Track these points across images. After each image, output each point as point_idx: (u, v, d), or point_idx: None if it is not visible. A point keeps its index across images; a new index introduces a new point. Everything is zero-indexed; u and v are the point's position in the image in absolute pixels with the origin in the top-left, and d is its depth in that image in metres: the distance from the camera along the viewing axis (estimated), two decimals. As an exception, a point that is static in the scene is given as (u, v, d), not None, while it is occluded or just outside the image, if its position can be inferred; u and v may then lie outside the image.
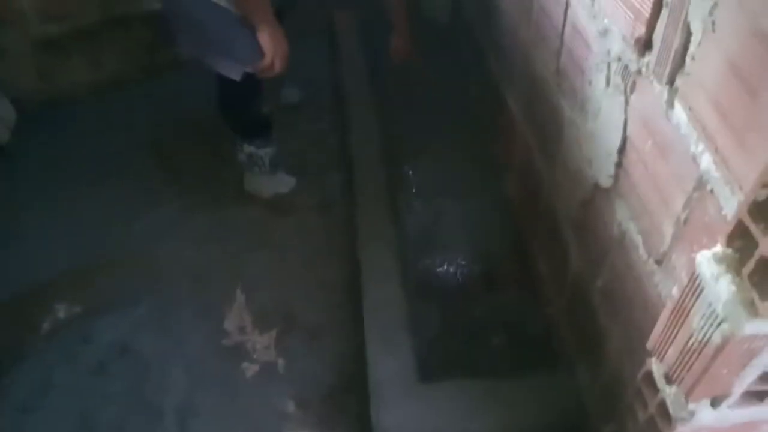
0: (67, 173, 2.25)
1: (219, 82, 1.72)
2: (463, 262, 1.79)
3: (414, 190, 2.03)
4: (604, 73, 1.04)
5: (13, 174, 2.31)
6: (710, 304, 0.64)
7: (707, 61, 0.72)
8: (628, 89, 0.96)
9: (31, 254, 1.98)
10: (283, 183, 2.06)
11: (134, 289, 1.84)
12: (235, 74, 1.63)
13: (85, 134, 2.40)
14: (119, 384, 1.61)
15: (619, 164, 1.04)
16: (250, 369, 1.63)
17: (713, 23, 0.69)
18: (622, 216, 1.04)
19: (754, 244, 0.58)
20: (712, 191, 0.74)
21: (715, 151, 0.72)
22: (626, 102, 0.98)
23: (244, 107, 1.85)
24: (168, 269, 1.89)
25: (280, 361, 1.64)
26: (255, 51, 1.59)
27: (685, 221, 0.82)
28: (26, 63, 2.51)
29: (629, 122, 0.98)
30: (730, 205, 0.70)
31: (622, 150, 1.02)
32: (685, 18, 0.75)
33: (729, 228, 0.63)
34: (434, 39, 2.52)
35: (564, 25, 1.24)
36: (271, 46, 1.60)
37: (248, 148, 1.93)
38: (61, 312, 1.80)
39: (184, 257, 1.92)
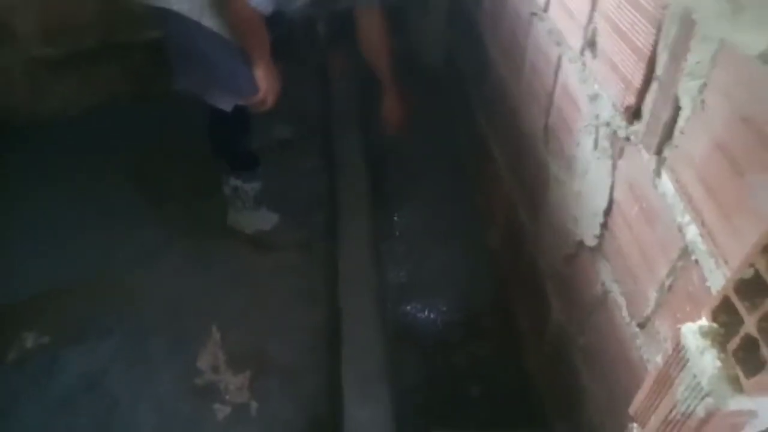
0: (48, 193, 2.22)
1: (210, 113, 1.73)
2: (444, 311, 1.79)
3: (397, 236, 2.04)
4: (593, 135, 1.07)
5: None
6: (695, 377, 0.65)
7: (696, 137, 0.74)
8: (616, 154, 0.98)
9: (3, 275, 1.93)
10: (266, 220, 2.05)
11: (107, 318, 1.80)
12: (227, 105, 1.65)
13: (70, 155, 2.37)
14: (85, 420, 1.56)
15: (604, 225, 1.06)
16: (222, 411, 1.59)
17: (702, 102, 0.72)
18: (606, 276, 1.06)
19: (740, 321, 0.59)
20: (696, 262, 0.75)
21: (702, 224, 0.74)
22: (614, 166, 1.00)
23: (233, 139, 1.87)
24: (143, 300, 1.85)
25: (253, 404, 1.60)
26: (250, 85, 1.63)
27: (669, 288, 0.84)
28: (19, 81, 2.50)
29: (616, 185, 1.00)
30: (715, 277, 0.72)
31: (608, 212, 1.04)
32: (675, 93, 0.78)
33: (714, 302, 0.64)
34: (426, 84, 2.57)
35: (554, 85, 1.27)
36: (265, 81, 1.64)
37: (234, 182, 1.92)
38: (29, 340, 1.75)
39: (161, 288, 1.89)
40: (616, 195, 1.00)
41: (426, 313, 1.79)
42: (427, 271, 1.93)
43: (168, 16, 1.49)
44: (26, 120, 2.53)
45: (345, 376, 1.48)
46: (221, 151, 1.92)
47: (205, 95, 1.66)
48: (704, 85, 0.72)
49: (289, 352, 1.72)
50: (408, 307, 1.81)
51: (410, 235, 2.05)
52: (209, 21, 1.50)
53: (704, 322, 0.66)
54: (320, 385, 1.62)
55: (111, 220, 2.11)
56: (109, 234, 2.06)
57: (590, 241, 1.11)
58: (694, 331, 0.65)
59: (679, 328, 0.67)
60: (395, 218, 2.11)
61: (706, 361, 0.63)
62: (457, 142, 2.33)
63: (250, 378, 1.65)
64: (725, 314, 0.63)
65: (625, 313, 0.99)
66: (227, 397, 1.61)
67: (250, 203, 1.96)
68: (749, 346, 0.60)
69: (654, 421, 0.75)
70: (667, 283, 0.84)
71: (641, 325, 0.93)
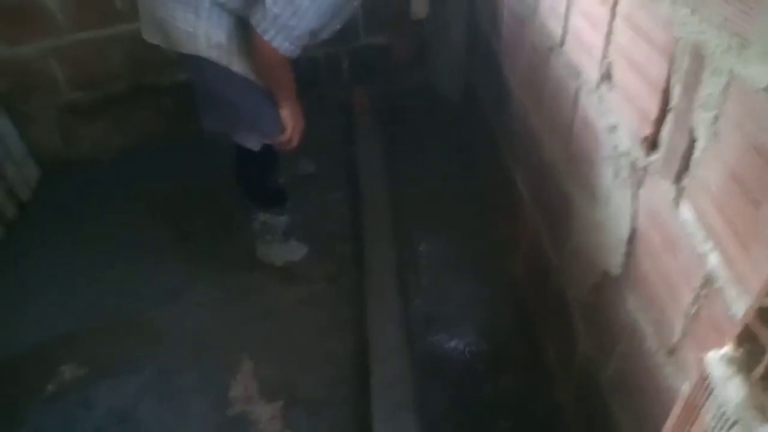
0: (81, 234, 2.30)
1: (237, 152, 1.77)
2: (470, 341, 1.79)
3: (423, 266, 2.05)
4: (613, 166, 1.09)
5: (31, 232, 2.36)
6: (721, 406, 0.65)
7: (711, 167, 0.76)
8: (636, 184, 1.00)
9: (41, 314, 2.01)
10: (295, 251, 2.09)
11: (139, 353, 1.85)
12: (255, 145, 1.70)
13: (102, 197, 2.47)
14: (119, 453, 1.59)
15: (627, 254, 1.06)
16: (254, 441, 1.61)
17: (716, 133, 0.74)
18: (632, 305, 1.06)
19: (762, 349, 0.60)
20: (719, 290, 0.76)
21: (722, 252, 0.75)
22: (634, 195, 1.01)
23: (261, 177, 1.90)
24: (174, 334, 1.90)
25: (285, 434, 1.62)
26: (276, 125, 1.67)
27: (694, 317, 0.84)
28: (52, 126, 2.62)
29: (638, 215, 1.01)
30: (738, 305, 0.72)
31: (630, 241, 1.05)
32: (690, 125, 0.80)
33: (737, 330, 0.65)
34: (446, 117, 2.62)
35: (574, 117, 1.29)
36: (291, 121, 1.68)
37: (263, 216, 1.97)
38: (66, 374, 1.80)
39: (191, 322, 1.93)
40: (638, 224, 1.01)
41: (452, 344, 1.80)
42: (453, 301, 1.93)
43: (196, 60, 1.54)
44: (58, 164, 2.64)
45: (374, 407, 1.49)
46: (249, 189, 1.95)
47: (233, 134, 1.71)
48: (717, 116, 0.73)
49: (318, 382, 1.73)
50: (434, 338, 1.82)
51: (435, 265, 2.07)
52: (238, 67, 1.54)
53: (728, 350, 0.66)
54: (349, 415, 1.63)
55: (140, 257, 2.18)
56: (138, 271, 2.12)
57: (614, 271, 1.12)
58: (718, 359, 0.66)
59: (703, 357, 0.68)
60: (420, 249, 2.13)
61: (731, 390, 0.63)
62: (480, 173, 2.36)
63: (282, 408, 1.67)
64: (748, 342, 0.64)
65: (651, 342, 0.99)
66: (260, 426, 1.63)
67: (279, 237, 2.00)
68: (773, 374, 0.60)
69: (683, 450, 0.75)
70: (692, 311, 0.84)
71: (668, 354, 0.93)
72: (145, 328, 1.93)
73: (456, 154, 2.49)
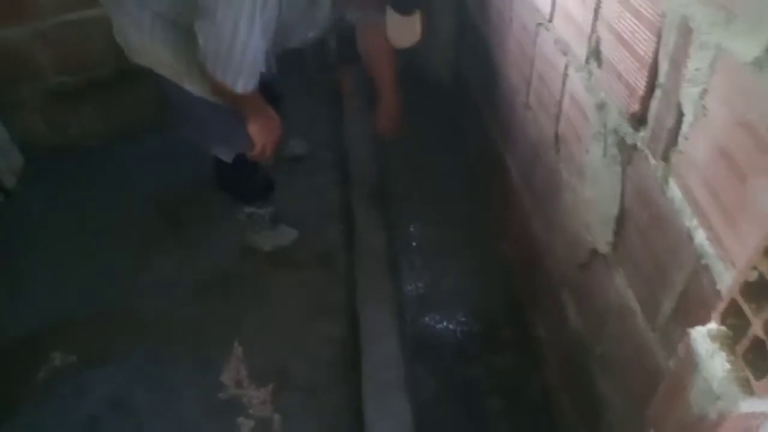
0: (70, 222, 2.28)
1: (214, 159, 1.71)
2: (462, 322, 1.80)
3: (414, 248, 2.05)
4: (601, 143, 1.08)
5: (18, 220, 2.34)
6: (705, 380, 0.65)
7: (699, 142, 0.75)
8: (625, 161, 0.99)
9: (30, 302, 1.99)
10: (285, 235, 2.08)
11: (131, 340, 1.84)
12: (227, 157, 1.64)
13: (90, 184, 2.44)
14: (112, 439, 1.59)
15: (616, 232, 1.06)
16: (246, 424, 1.61)
17: (704, 108, 0.73)
18: (620, 283, 1.06)
19: (747, 323, 0.60)
20: (706, 266, 0.76)
21: (709, 227, 0.75)
22: (623, 173, 1.01)
23: (239, 178, 1.83)
24: (165, 321, 1.89)
25: (276, 417, 1.62)
26: (246, 140, 1.58)
27: (682, 293, 0.84)
28: (37, 112, 2.58)
29: (626, 192, 1.01)
30: (724, 281, 0.72)
31: (619, 218, 1.04)
32: (678, 100, 0.79)
33: (722, 305, 0.65)
34: (436, 98, 2.59)
35: (562, 94, 1.28)
36: (261, 137, 1.59)
37: (248, 209, 1.94)
38: (57, 360, 1.79)
39: (182, 309, 1.92)
40: (627, 202, 1.01)
41: (444, 324, 1.80)
42: (444, 282, 1.94)
43: (156, 74, 1.47)
44: (46, 150, 2.60)
45: (365, 389, 1.49)
46: (229, 188, 1.90)
47: (203, 145, 1.66)
48: (704, 91, 0.73)
49: (309, 365, 1.73)
50: (426, 319, 1.82)
51: (427, 246, 2.07)
52: (191, 86, 1.46)
53: (713, 325, 0.66)
54: (341, 397, 1.64)
55: (129, 244, 2.16)
56: (128, 258, 2.11)
57: (603, 249, 1.12)
58: (703, 334, 0.66)
59: (689, 333, 0.68)
60: (411, 230, 2.13)
61: (715, 365, 0.63)
62: (470, 154, 2.35)
63: (273, 392, 1.67)
64: (733, 317, 0.64)
65: (640, 319, 0.99)
66: (251, 411, 1.64)
67: (267, 224, 1.99)
68: (758, 349, 0.60)
69: (670, 426, 0.76)
70: (679, 288, 0.84)
71: (657, 331, 0.94)
72: (136, 315, 1.92)
73: (446, 137, 2.47)
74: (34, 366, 1.78)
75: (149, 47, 1.42)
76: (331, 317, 1.86)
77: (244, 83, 1.34)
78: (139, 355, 1.79)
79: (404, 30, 1.45)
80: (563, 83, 1.26)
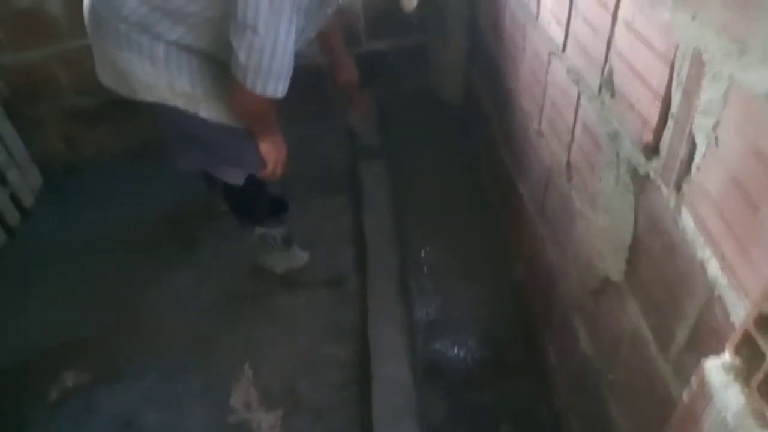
0: (85, 239, 2.31)
1: (224, 183, 1.71)
2: (473, 347, 1.79)
3: (425, 271, 2.05)
4: (614, 172, 1.09)
5: (34, 237, 2.37)
6: (719, 413, 0.65)
7: (712, 173, 0.76)
8: (638, 190, 1.00)
9: (43, 320, 2.01)
10: (297, 258, 2.09)
11: (142, 358, 1.85)
12: (237, 180, 1.65)
13: (106, 202, 2.48)
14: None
15: (629, 260, 1.06)
16: (255, 449, 1.60)
17: (716, 138, 0.74)
18: (633, 311, 1.06)
19: (762, 356, 0.60)
20: (719, 297, 0.76)
21: (722, 258, 0.75)
22: (636, 201, 1.01)
23: (251, 201, 1.85)
24: (176, 340, 1.90)
25: (286, 441, 1.62)
26: (257, 159, 1.60)
27: (695, 323, 0.84)
28: (56, 131, 2.63)
29: (639, 221, 1.01)
30: (738, 312, 0.72)
31: (632, 247, 1.04)
32: (690, 131, 0.79)
33: (735, 337, 0.64)
34: (447, 121, 2.62)
35: (575, 122, 1.29)
36: (273, 154, 1.61)
37: (259, 230, 1.95)
38: (69, 380, 1.80)
39: (194, 328, 1.93)
40: (640, 230, 1.01)
41: (455, 349, 1.79)
42: (455, 306, 1.93)
43: (162, 105, 1.46)
44: (64, 168, 2.65)
45: (375, 413, 1.49)
46: (239, 210, 1.91)
47: (212, 171, 1.66)
48: (717, 122, 0.73)
49: (319, 388, 1.73)
50: (437, 344, 1.82)
51: (438, 270, 2.07)
52: (206, 113, 1.47)
53: (727, 357, 0.66)
54: (350, 421, 1.63)
55: (144, 263, 2.18)
56: (142, 277, 2.13)
57: (616, 277, 1.12)
58: (717, 366, 0.66)
59: (703, 364, 0.68)
60: (422, 254, 2.13)
61: (730, 397, 0.63)
62: (482, 177, 2.36)
63: (282, 416, 1.67)
64: (747, 349, 0.64)
65: (653, 348, 0.98)
66: (260, 435, 1.63)
67: (279, 245, 2.00)
68: (773, 381, 0.60)
69: (683, 458, 0.75)
70: (692, 318, 0.84)
71: (670, 361, 0.93)
72: (148, 333, 1.93)
73: (458, 158, 2.49)
74: (47, 385, 1.79)
75: (166, 79, 1.41)
76: (342, 340, 1.86)
77: (282, 88, 1.37)
78: (151, 374, 1.80)
79: None
80: (576, 111, 1.27)
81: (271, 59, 1.29)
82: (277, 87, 1.35)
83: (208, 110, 1.47)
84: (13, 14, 2.30)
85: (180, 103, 1.45)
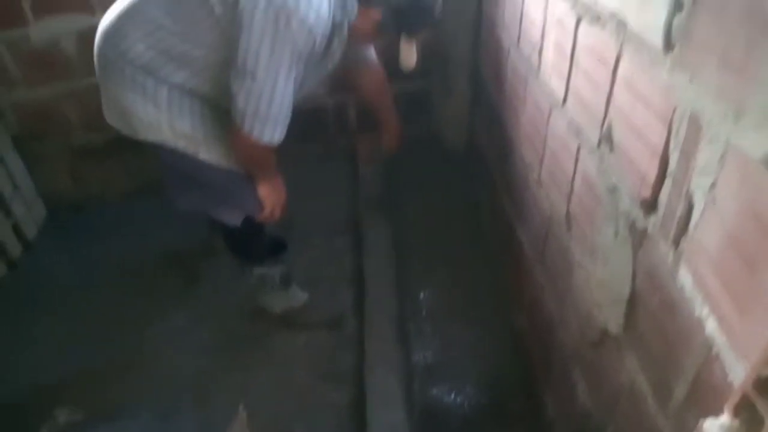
0: (86, 274, 2.32)
1: (222, 224, 1.73)
2: (470, 393, 1.77)
3: (424, 316, 2.05)
4: (613, 225, 1.10)
5: (34, 271, 2.38)
6: (720, 475, 0.64)
7: (710, 232, 0.77)
8: (636, 244, 1.01)
9: (39, 354, 2.00)
10: (296, 298, 2.09)
11: (138, 397, 1.83)
12: (235, 221, 1.67)
13: (108, 238, 2.49)
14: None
15: (627, 314, 1.06)
16: (247, 493, 1.57)
17: (714, 198, 0.75)
18: (632, 365, 1.06)
19: (761, 419, 0.60)
20: (717, 355, 0.76)
21: (720, 317, 0.75)
22: (634, 255, 1.02)
23: (249, 242, 1.86)
24: (172, 379, 1.88)
25: (279, 487, 1.59)
26: (255, 202, 1.62)
27: (693, 381, 0.84)
28: (63, 166, 2.67)
29: (637, 275, 1.02)
30: (736, 372, 0.72)
31: (630, 301, 1.05)
32: (688, 190, 0.81)
33: (734, 399, 0.65)
34: (449, 167, 2.65)
35: (574, 174, 1.32)
36: (271, 197, 1.64)
37: (258, 270, 1.95)
38: (61, 418, 1.78)
39: (191, 368, 1.92)
40: (638, 284, 1.02)
41: (452, 395, 1.78)
42: (454, 351, 1.92)
43: (164, 147, 1.49)
44: (69, 203, 2.68)
45: (370, 461, 1.46)
46: (238, 250, 1.92)
47: (210, 212, 1.68)
48: (714, 183, 0.75)
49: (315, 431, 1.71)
50: (434, 389, 1.80)
51: (437, 314, 2.06)
52: (206, 155, 1.50)
53: (726, 418, 0.66)
54: (345, 469, 1.60)
55: (143, 300, 2.18)
56: (141, 314, 2.12)
57: (615, 329, 1.12)
58: (715, 427, 0.66)
59: (702, 424, 0.68)
60: (422, 297, 2.13)
61: (729, 460, 0.63)
62: (482, 223, 2.37)
63: (276, 460, 1.64)
64: (746, 411, 0.64)
65: (652, 404, 0.98)
66: (253, 479, 1.60)
67: (277, 285, 2.00)
68: (772, 445, 0.60)
69: None
70: (691, 375, 0.84)
71: (669, 417, 0.92)
72: (144, 371, 1.92)
73: (459, 204, 2.51)
74: (38, 422, 1.76)
75: (165, 121, 1.44)
76: (339, 383, 1.84)
77: (279, 134, 1.40)
78: (145, 413, 1.78)
79: (410, 54, 1.53)
80: (575, 164, 1.30)
81: (268, 106, 1.32)
82: (273, 133, 1.38)
83: (208, 152, 1.50)
84: (30, 53, 2.36)
85: (180, 145, 1.48)
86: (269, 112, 1.33)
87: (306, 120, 1.62)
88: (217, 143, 1.49)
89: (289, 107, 1.38)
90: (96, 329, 2.07)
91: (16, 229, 2.45)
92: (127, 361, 1.95)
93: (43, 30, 2.33)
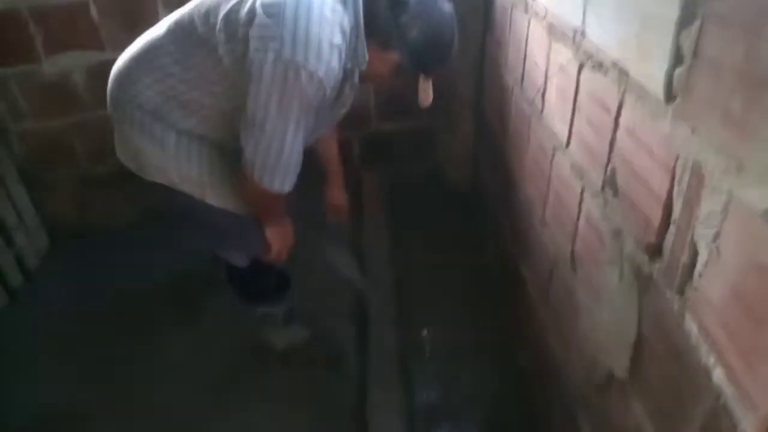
0: (86, 306, 2.31)
1: (226, 264, 1.72)
2: (474, 436, 1.75)
3: (427, 355, 2.03)
4: (618, 268, 1.10)
5: (35, 301, 2.37)
6: None
7: (714, 282, 0.77)
8: (642, 289, 1.01)
9: (39, 387, 1.98)
10: (297, 335, 2.07)
11: (135, 431, 1.80)
12: (241, 262, 1.67)
13: (111, 268, 2.49)
14: None
15: (633, 358, 1.06)
16: None
17: (718, 249, 0.76)
18: (638, 411, 1.05)
19: (770, 475, 0.60)
20: (725, 406, 0.76)
21: (727, 367, 0.75)
22: (640, 300, 1.02)
23: (254, 283, 1.85)
24: (173, 412, 1.85)
25: None
26: (263, 244, 1.61)
27: (701, 429, 0.83)
28: (68, 196, 2.68)
29: (643, 319, 1.02)
30: (745, 423, 0.72)
31: (636, 345, 1.05)
32: (692, 238, 0.82)
33: (744, 452, 0.64)
34: (453, 205, 2.67)
35: (579, 215, 1.32)
36: (278, 241, 1.63)
37: (261, 309, 1.94)
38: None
39: (191, 402, 1.89)
40: (644, 329, 1.02)
41: (455, 437, 1.75)
42: (457, 391, 1.90)
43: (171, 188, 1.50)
44: (72, 232, 2.68)
45: (371, 505, 1.43)
46: (242, 291, 1.90)
47: (216, 252, 1.68)
48: (718, 234, 0.76)
49: (315, 474, 1.68)
50: (436, 430, 1.77)
51: (439, 353, 2.04)
52: (212, 200, 1.50)
53: (735, 472, 0.65)
54: None
55: (143, 333, 2.17)
56: (140, 347, 2.11)
57: (621, 373, 1.11)
58: (725, 482, 0.65)
59: (711, 478, 0.67)
60: (425, 334, 2.12)
61: None
62: (487, 260, 2.37)
63: (275, 501, 1.61)
64: (756, 466, 0.63)
65: (658, 451, 0.97)
66: None
67: (280, 323, 1.99)
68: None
69: None
70: (698, 423, 0.83)
71: (676, 466, 0.91)
72: (141, 407, 1.89)
73: (463, 241, 2.51)
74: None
75: (172, 165, 1.45)
76: (341, 423, 1.82)
77: (288, 184, 1.40)
78: (141, 451, 1.75)
79: (428, 91, 1.51)
80: (579, 206, 1.30)
81: (277, 158, 1.33)
82: (283, 184, 1.38)
83: (214, 197, 1.50)
84: (41, 85, 2.40)
85: (186, 188, 1.48)
86: (278, 163, 1.34)
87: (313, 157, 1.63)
88: (224, 187, 1.49)
89: (299, 157, 1.38)
90: (95, 362, 2.05)
91: (18, 259, 2.45)
92: (126, 395, 1.93)
93: (53, 65, 2.38)
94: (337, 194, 2.04)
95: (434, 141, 2.81)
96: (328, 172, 2.00)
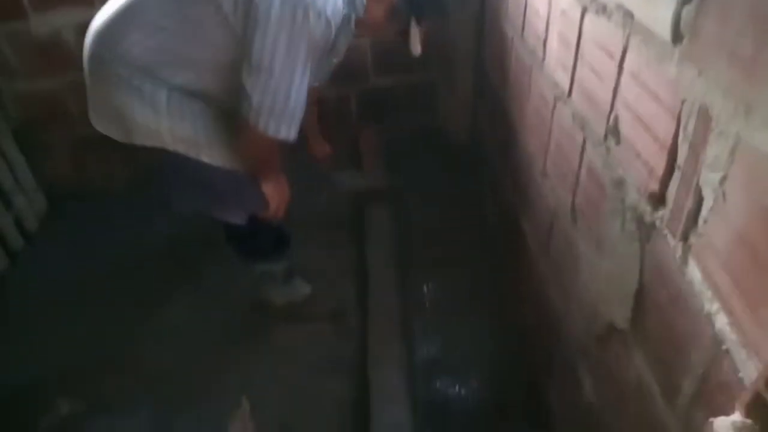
0: (87, 267, 2.31)
1: (224, 224, 1.70)
2: (474, 389, 1.77)
3: (427, 309, 2.04)
4: (619, 218, 1.09)
5: (35, 263, 2.37)
6: (730, 475, 0.64)
7: (719, 227, 0.76)
8: (644, 238, 1.00)
9: (38, 347, 1.99)
10: (298, 291, 2.07)
11: (137, 390, 1.83)
12: (239, 220, 1.64)
13: (110, 230, 2.48)
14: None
15: (635, 308, 1.05)
16: (250, 487, 1.57)
17: (724, 194, 0.74)
18: (639, 361, 1.05)
19: (773, 419, 0.59)
20: (727, 351, 0.75)
21: (730, 313, 0.74)
22: (641, 249, 1.01)
23: (253, 241, 1.82)
24: (173, 372, 1.88)
25: (282, 480, 1.59)
26: (259, 201, 1.60)
27: (702, 377, 0.83)
28: (65, 158, 2.66)
29: (645, 269, 1.01)
30: (747, 368, 0.71)
31: (638, 295, 1.04)
32: (697, 184, 0.80)
33: (746, 396, 0.64)
34: (452, 159, 2.64)
35: (580, 167, 1.30)
36: (276, 196, 1.61)
37: (261, 267, 1.93)
38: (63, 408, 1.78)
39: (193, 360, 1.92)
40: (646, 278, 1.01)
41: (455, 389, 1.77)
42: (457, 345, 1.92)
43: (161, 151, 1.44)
44: (71, 195, 2.66)
45: (373, 455, 1.46)
46: (241, 248, 1.88)
47: (211, 213, 1.65)
48: (724, 178, 0.74)
49: (317, 426, 1.70)
50: (437, 384, 1.80)
51: (440, 308, 2.06)
52: (208, 158, 1.46)
53: (737, 416, 0.65)
54: (348, 463, 1.60)
55: (144, 293, 2.18)
56: (141, 307, 2.12)
57: (621, 324, 1.11)
58: (726, 426, 0.65)
59: (712, 422, 0.67)
60: (425, 291, 2.12)
61: (740, 459, 0.62)
62: (486, 215, 2.36)
63: (279, 454, 1.64)
64: (759, 410, 0.63)
65: (659, 401, 0.97)
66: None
67: (279, 280, 1.99)
68: (784, 445, 0.59)
69: None
70: (699, 372, 0.83)
71: (677, 416, 0.91)
72: (145, 363, 1.91)
73: (463, 196, 2.50)
74: (38, 414, 1.77)
75: (164, 125, 1.39)
76: (342, 377, 1.84)
77: (294, 130, 1.38)
78: (145, 407, 1.77)
79: (419, 39, 1.52)
80: (581, 156, 1.28)
81: (285, 102, 1.31)
82: (289, 130, 1.36)
83: (210, 154, 1.45)
84: (32, 44, 2.35)
85: (180, 148, 1.43)
86: (286, 108, 1.32)
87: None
88: (220, 144, 1.45)
89: (304, 103, 1.36)
90: (96, 322, 2.06)
91: (18, 222, 2.44)
92: (128, 355, 1.95)
93: (43, 22, 2.32)
94: (317, 145, 2.20)
95: (433, 95, 2.76)
96: (306, 128, 2.04)
